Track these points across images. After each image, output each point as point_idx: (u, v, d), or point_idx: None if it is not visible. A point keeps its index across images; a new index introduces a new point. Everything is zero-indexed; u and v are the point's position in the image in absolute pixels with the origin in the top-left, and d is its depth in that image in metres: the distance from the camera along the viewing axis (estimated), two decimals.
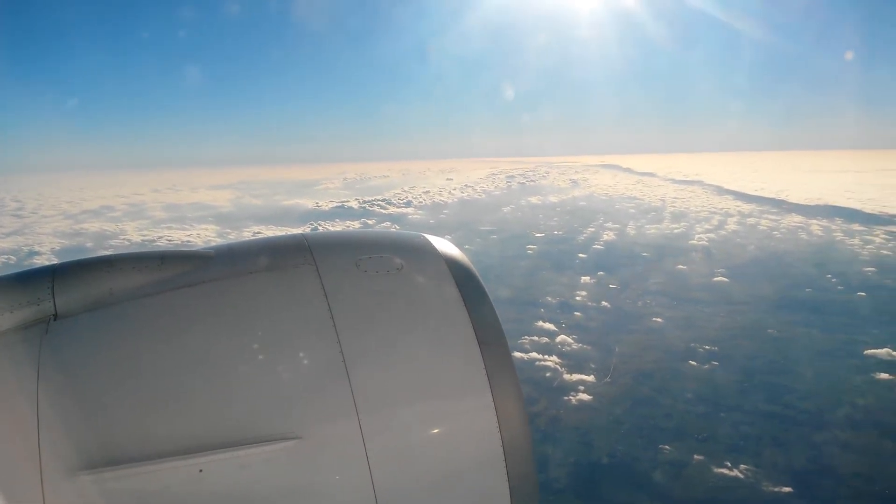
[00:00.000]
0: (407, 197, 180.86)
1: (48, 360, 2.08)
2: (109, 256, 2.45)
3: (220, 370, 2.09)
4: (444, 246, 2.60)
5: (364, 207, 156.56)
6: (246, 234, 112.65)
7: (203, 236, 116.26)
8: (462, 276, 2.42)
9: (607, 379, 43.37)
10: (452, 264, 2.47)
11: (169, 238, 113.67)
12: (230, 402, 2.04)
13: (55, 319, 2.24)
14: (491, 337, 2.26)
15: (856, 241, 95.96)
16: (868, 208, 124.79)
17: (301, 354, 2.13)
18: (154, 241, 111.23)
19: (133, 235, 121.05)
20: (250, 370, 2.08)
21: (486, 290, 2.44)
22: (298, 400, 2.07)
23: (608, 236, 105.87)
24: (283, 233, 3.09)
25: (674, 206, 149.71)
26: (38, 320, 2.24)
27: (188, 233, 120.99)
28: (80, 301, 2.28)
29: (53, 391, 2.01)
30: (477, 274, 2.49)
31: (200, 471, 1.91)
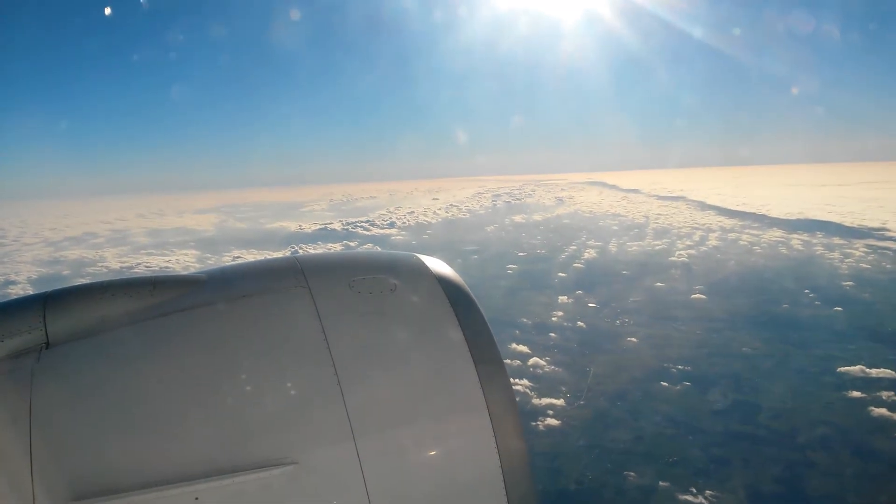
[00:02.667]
0: (390, 218, 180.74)
1: (40, 390, 2.05)
2: (101, 283, 2.42)
3: (215, 396, 2.05)
4: (437, 265, 2.60)
5: (347, 229, 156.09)
6: (226, 259, 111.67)
7: (182, 262, 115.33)
8: (455, 296, 2.41)
9: (581, 402, 42.84)
10: (445, 283, 2.46)
11: (147, 265, 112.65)
12: (225, 428, 2.00)
13: (47, 348, 2.20)
14: (486, 355, 2.25)
15: (835, 254, 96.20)
16: (848, 221, 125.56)
17: (296, 378, 2.10)
18: (132, 267, 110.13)
19: (112, 262, 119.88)
20: (245, 395, 2.05)
21: (480, 308, 2.43)
22: (294, 424, 2.04)
23: (589, 254, 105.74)
24: (263, 257, 2.91)
25: (657, 223, 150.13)
26: (29, 349, 2.20)
27: (167, 259, 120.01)
28: (72, 329, 2.24)
29: (45, 421, 1.98)
30: (470, 293, 2.49)
31: (196, 499, 1.87)
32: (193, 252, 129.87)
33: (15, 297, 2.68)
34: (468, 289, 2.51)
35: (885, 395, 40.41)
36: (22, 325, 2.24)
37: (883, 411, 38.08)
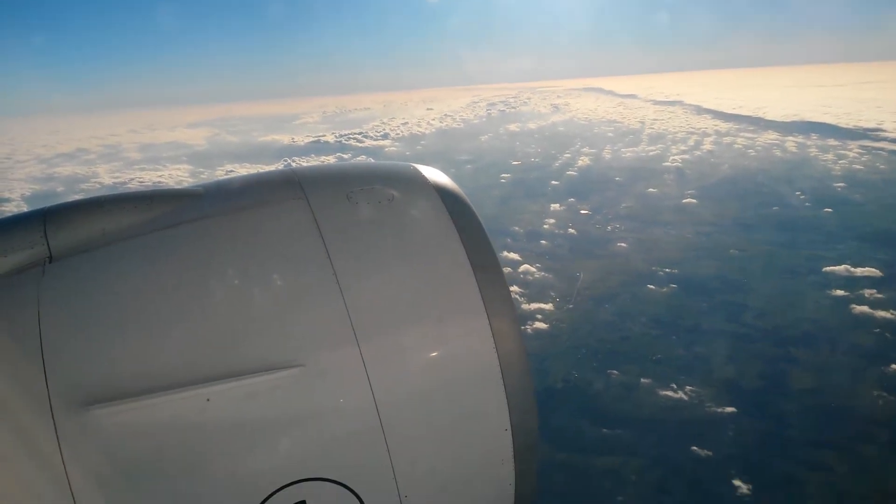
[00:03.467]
0: (384, 129, 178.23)
1: (48, 302, 2.09)
2: (99, 198, 2.44)
3: (219, 304, 2.11)
4: (434, 175, 2.61)
5: (340, 141, 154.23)
6: (220, 173, 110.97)
7: (175, 177, 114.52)
8: (453, 204, 2.43)
9: (570, 305, 43.67)
10: (443, 192, 2.48)
11: (140, 180, 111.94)
12: (232, 334, 2.07)
13: (50, 262, 2.23)
14: (484, 261, 2.29)
15: (829, 156, 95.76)
16: (844, 122, 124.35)
17: (298, 286, 2.16)
18: (125, 183, 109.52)
19: (105, 178, 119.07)
20: (249, 303, 2.11)
21: (478, 216, 2.45)
22: (298, 329, 2.10)
23: (583, 162, 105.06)
24: (257, 171, 3.06)
25: (652, 128, 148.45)
26: (32, 264, 2.24)
27: (160, 174, 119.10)
28: (74, 243, 2.28)
29: (56, 332, 2.02)
30: (468, 201, 2.51)
31: (208, 400, 1.95)
32: (186, 167, 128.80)
33: (11, 213, 2.72)
34: (466, 197, 2.53)
35: (867, 293, 41.18)
36: (24, 240, 2.28)
37: (864, 308, 38.91)
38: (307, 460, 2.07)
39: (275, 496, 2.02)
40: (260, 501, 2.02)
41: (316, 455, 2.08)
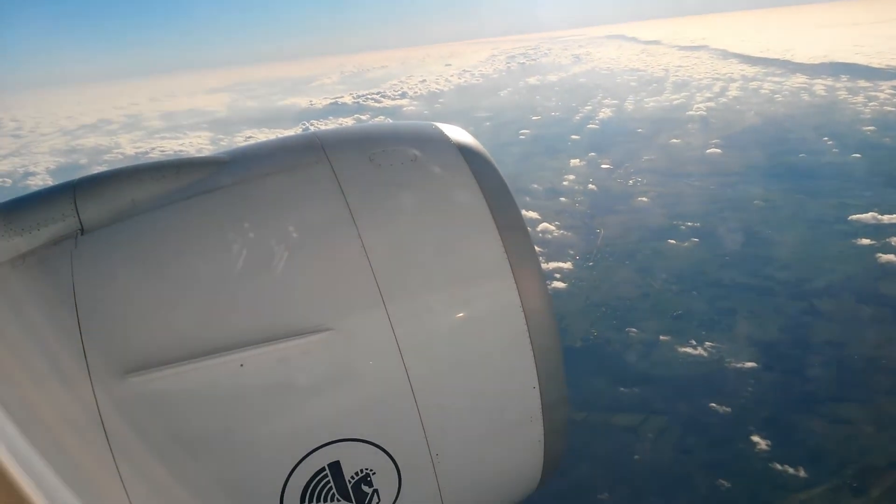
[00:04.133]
0: (402, 88, 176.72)
1: (82, 273, 2.13)
2: (127, 168, 2.46)
3: (249, 270, 2.13)
4: (456, 133, 2.59)
5: (358, 102, 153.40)
6: (238, 139, 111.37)
7: (196, 144, 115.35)
8: (476, 163, 2.42)
9: (590, 263, 43.48)
10: (466, 151, 2.46)
11: (162, 149, 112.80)
12: (262, 299, 2.10)
13: (82, 233, 2.27)
14: (509, 220, 2.28)
15: (859, 98, 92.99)
16: (876, 63, 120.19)
17: (324, 250, 2.18)
18: (147, 153, 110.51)
19: (127, 149, 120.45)
20: (277, 268, 2.13)
21: (502, 174, 2.44)
22: (326, 293, 2.13)
23: (605, 114, 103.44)
24: (275, 136, 3.17)
25: (676, 76, 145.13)
26: (65, 236, 2.27)
27: (181, 142, 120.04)
28: (104, 214, 2.31)
29: (91, 302, 2.06)
30: (491, 159, 2.49)
31: (241, 365, 1.99)
32: (206, 134, 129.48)
33: (37, 188, 2.80)
34: (489, 155, 2.51)
35: (894, 241, 40.31)
36: (55, 213, 2.31)
37: (891, 257, 38.18)
38: (339, 422, 2.11)
39: (309, 457, 2.07)
40: (295, 463, 2.07)
41: (347, 416, 2.12)
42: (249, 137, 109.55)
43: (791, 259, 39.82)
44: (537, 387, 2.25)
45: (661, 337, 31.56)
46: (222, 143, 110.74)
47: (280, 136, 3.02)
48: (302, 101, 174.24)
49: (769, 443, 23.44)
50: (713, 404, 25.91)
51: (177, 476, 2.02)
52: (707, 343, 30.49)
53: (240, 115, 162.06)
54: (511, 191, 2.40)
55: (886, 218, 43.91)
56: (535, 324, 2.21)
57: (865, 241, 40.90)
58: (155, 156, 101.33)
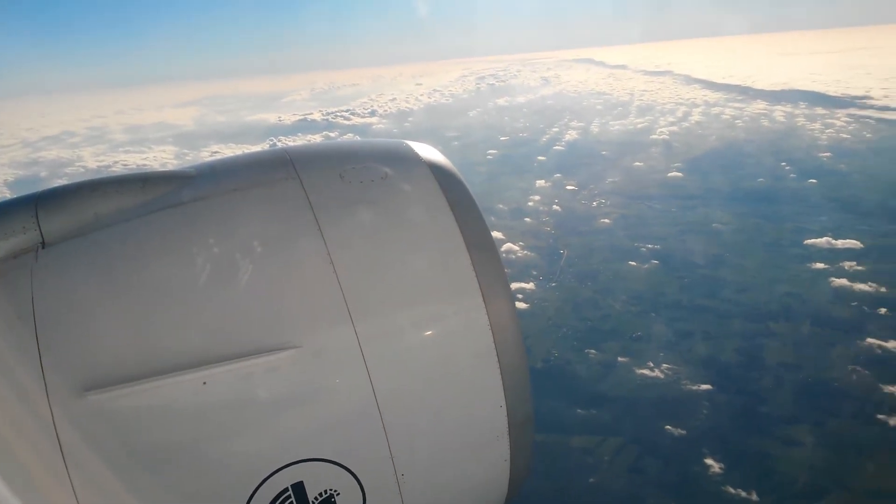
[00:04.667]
0: (372, 106, 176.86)
1: (42, 287, 2.07)
2: (91, 181, 2.40)
3: (214, 286, 2.09)
4: (427, 152, 2.57)
5: (327, 119, 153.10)
6: (204, 154, 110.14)
7: (160, 159, 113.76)
8: (447, 181, 2.40)
9: (552, 283, 43.74)
10: (436, 170, 2.45)
11: (125, 163, 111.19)
12: (227, 316, 2.06)
13: (43, 247, 2.21)
14: (478, 239, 2.27)
15: (817, 125, 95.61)
16: (832, 91, 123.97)
17: (292, 267, 2.15)
18: (109, 166, 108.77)
19: (89, 162, 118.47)
20: (244, 285, 2.09)
21: (472, 193, 2.43)
22: (293, 311, 2.09)
23: (571, 136, 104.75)
24: (242, 151, 3.01)
25: (641, 100, 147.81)
26: (25, 249, 2.21)
27: (144, 156, 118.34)
28: (66, 227, 2.25)
29: (51, 317, 2.00)
30: (461, 178, 2.48)
31: (204, 383, 1.95)
32: (171, 148, 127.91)
33: None
34: (459, 174, 2.50)
35: (847, 265, 41.33)
36: (16, 225, 2.24)
37: (843, 281, 39.08)
38: (304, 441, 2.08)
39: (272, 478, 2.04)
40: (258, 483, 2.03)
41: (313, 436, 2.09)
42: (215, 153, 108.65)
43: (748, 282, 40.59)
44: (504, 405, 2.24)
45: (620, 358, 31.82)
46: (187, 157, 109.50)
47: (249, 151, 3.02)
48: (271, 117, 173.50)
49: (722, 465, 23.67)
50: (668, 426, 26.11)
51: (135, 497, 1.98)
52: (664, 365, 30.79)
53: (207, 129, 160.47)
54: (480, 209, 2.39)
55: (840, 243, 45.04)
56: (503, 342, 2.20)
57: (819, 265, 41.88)
58: (117, 170, 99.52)
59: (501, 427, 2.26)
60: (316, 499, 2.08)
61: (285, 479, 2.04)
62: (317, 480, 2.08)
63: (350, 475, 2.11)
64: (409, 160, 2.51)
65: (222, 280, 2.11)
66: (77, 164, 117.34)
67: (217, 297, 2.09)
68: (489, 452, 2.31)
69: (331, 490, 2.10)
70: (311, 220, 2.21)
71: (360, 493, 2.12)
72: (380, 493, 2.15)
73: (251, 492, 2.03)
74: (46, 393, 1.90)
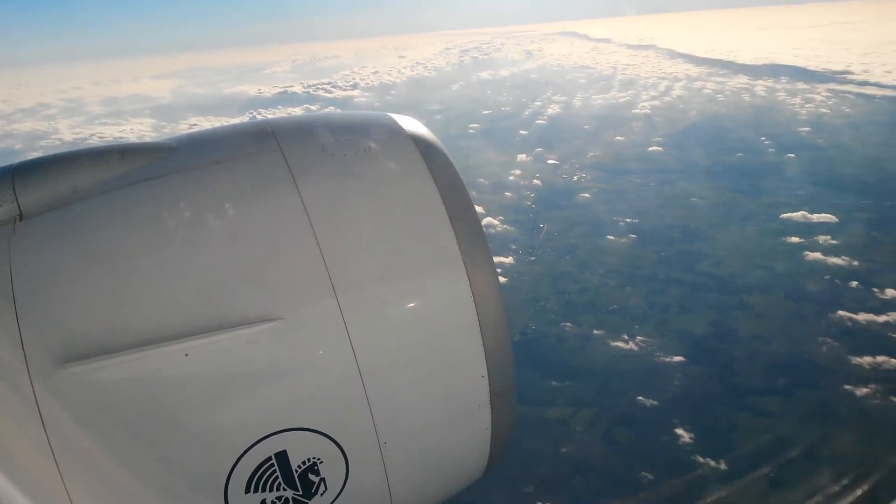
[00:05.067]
0: (354, 79, 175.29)
1: (20, 260, 2.05)
2: (69, 153, 2.36)
3: (196, 258, 2.09)
4: (411, 125, 2.57)
5: (308, 92, 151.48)
6: (182, 126, 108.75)
7: (137, 131, 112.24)
8: (430, 154, 2.41)
9: (531, 258, 43.89)
10: (420, 142, 2.45)
11: (101, 135, 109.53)
12: (209, 288, 2.06)
13: (21, 219, 2.18)
14: (462, 212, 2.28)
15: (797, 100, 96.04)
16: (813, 65, 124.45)
17: (274, 239, 2.14)
18: (86, 139, 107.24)
19: (65, 134, 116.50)
20: (226, 257, 2.10)
21: (455, 166, 2.43)
22: (276, 282, 2.09)
23: (553, 110, 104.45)
24: (223, 124, 2.99)
25: (624, 74, 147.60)
26: (2, 222, 2.17)
27: (121, 129, 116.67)
28: (44, 199, 2.21)
29: (30, 290, 1.99)
30: (445, 151, 2.48)
31: (186, 355, 1.95)
32: (149, 120, 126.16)
33: None
34: (443, 147, 2.50)
35: (821, 239, 41.79)
36: None
37: (817, 255, 39.54)
38: (287, 411, 2.09)
39: (255, 447, 2.05)
40: (241, 452, 2.04)
41: (296, 406, 2.10)
42: (193, 125, 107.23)
43: (724, 255, 40.92)
44: (486, 375, 2.26)
45: (595, 331, 32.08)
46: (165, 130, 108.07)
47: (230, 123, 2.99)
48: (251, 90, 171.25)
49: (692, 435, 24.06)
50: (641, 397, 26.47)
51: (118, 468, 1.98)
52: (638, 337, 31.10)
53: (185, 101, 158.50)
54: (464, 183, 2.40)
55: (815, 217, 45.46)
56: (486, 314, 2.23)
57: (795, 240, 42.29)
58: (94, 142, 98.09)
59: (483, 396, 2.29)
60: (299, 467, 2.11)
61: (268, 449, 2.06)
62: (300, 449, 2.10)
63: (333, 444, 2.13)
64: (392, 133, 2.51)
65: (204, 252, 2.11)
66: (53, 136, 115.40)
67: (199, 269, 2.09)
68: (471, 421, 2.34)
69: (314, 458, 2.12)
70: (293, 193, 2.20)
71: (344, 462, 2.15)
72: (363, 461, 2.18)
73: (234, 461, 2.04)
74: (27, 365, 1.89)
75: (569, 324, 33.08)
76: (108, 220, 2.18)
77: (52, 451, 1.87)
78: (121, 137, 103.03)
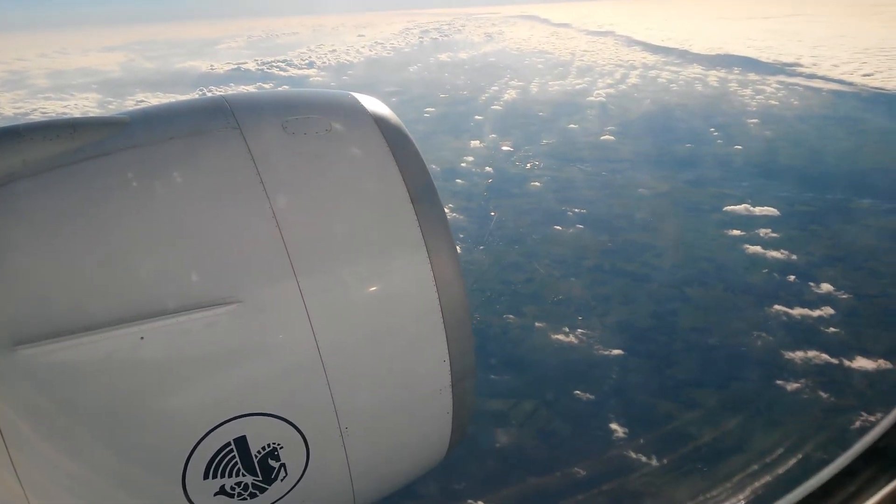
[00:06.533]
0: (310, 57, 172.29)
1: None
2: (17, 126, 2.26)
3: (152, 238, 2.03)
4: (373, 105, 2.53)
5: (262, 70, 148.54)
6: (130, 102, 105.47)
7: (82, 107, 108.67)
8: (392, 135, 2.38)
9: (480, 247, 43.77)
10: (382, 123, 2.41)
11: (43, 110, 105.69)
12: (166, 269, 2.01)
13: None
14: (423, 194, 2.27)
15: (748, 91, 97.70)
16: (765, 57, 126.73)
17: (232, 219, 2.09)
18: (27, 114, 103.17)
19: (5, 109, 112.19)
20: (182, 237, 2.05)
21: (417, 147, 2.43)
22: (234, 264, 2.06)
23: (510, 95, 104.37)
24: (173, 100, 2.88)
25: (582, 61, 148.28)
26: None
27: (65, 104, 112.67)
28: None
29: None
30: (407, 132, 2.45)
31: (142, 338, 1.92)
32: (95, 96, 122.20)
33: None
34: (405, 128, 2.47)
35: (762, 232, 42.53)
36: None
37: (757, 248, 40.27)
38: (247, 396, 2.05)
39: (214, 432, 2.01)
40: (199, 438, 2.00)
41: (255, 390, 2.07)
42: (141, 101, 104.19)
43: (667, 247, 41.37)
44: (447, 360, 2.27)
45: (537, 323, 32.13)
46: (111, 106, 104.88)
47: (185, 99, 2.86)
48: (202, 65, 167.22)
49: (626, 430, 24.31)
50: (578, 391, 26.63)
51: (71, 453, 1.94)
52: (579, 330, 31.26)
53: (134, 76, 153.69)
54: (426, 164, 2.38)
55: (757, 209, 46.28)
56: (447, 297, 2.23)
57: (736, 232, 42.99)
58: (35, 117, 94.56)
59: (444, 381, 2.29)
60: (259, 452, 2.08)
61: (227, 434, 2.02)
62: (260, 435, 2.07)
63: (293, 429, 2.10)
64: (354, 112, 2.47)
65: (160, 232, 2.03)
66: None
67: (155, 249, 2.02)
68: (432, 406, 2.34)
69: (274, 444, 2.09)
70: (252, 171, 2.13)
71: (304, 447, 2.13)
72: (323, 445, 2.16)
73: (192, 447, 1.99)
74: None
75: (511, 316, 33.07)
76: (60, 197, 2.07)
77: (2, 436, 1.82)
78: (64, 113, 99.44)
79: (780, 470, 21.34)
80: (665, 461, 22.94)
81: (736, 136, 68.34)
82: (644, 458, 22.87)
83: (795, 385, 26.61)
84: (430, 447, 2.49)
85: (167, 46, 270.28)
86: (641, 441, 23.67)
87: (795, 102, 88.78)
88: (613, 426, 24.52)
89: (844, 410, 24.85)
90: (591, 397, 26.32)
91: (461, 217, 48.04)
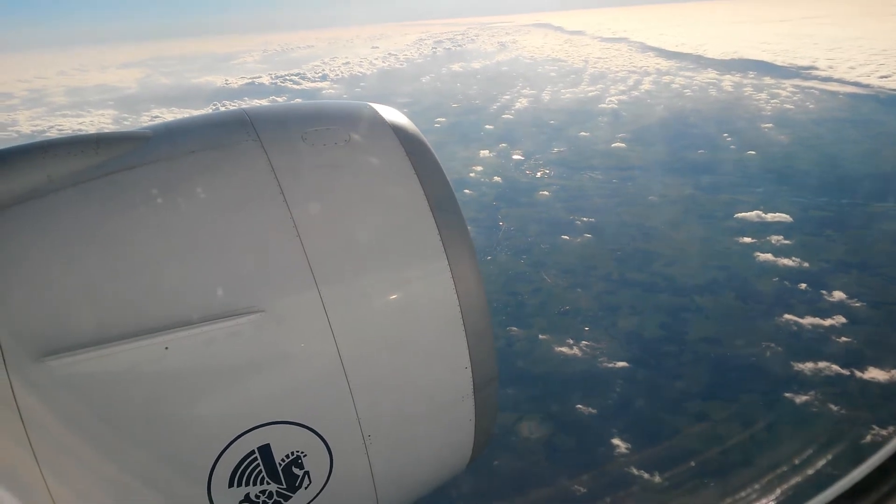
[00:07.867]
0: (324, 70, 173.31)
1: None
2: (42, 142, 2.30)
3: (176, 250, 2.06)
4: (391, 114, 2.54)
5: (276, 83, 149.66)
6: (145, 118, 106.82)
7: (98, 123, 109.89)
8: (411, 144, 2.39)
9: (488, 257, 43.43)
10: (400, 132, 2.43)
11: (60, 127, 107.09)
12: (190, 280, 2.04)
13: None
14: (443, 202, 2.28)
15: (763, 95, 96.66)
16: (780, 60, 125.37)
17: (254, 230, 2.12)
18: (45, 131, 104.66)
19: (24, 126, 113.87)
20: (205, 249, 2.07)
21: (436, 156, 2.43)
22: (257, 274, 2.08)
23: (521, 104, 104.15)
24: (187, 115, 2.88)
25: (595, 68, 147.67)
26: None
27: (81, 120, 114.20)
28: (19, 190, 2.14)
29: (6, 283, 1.97)
30: (426, 141, 2.47)
31: (166, 348, 1.94)
32: (111, 112, 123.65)
33: None
34: (424, 137, 2.48)
35: (774, 239, 41.75)
36: None
37: (768, 256, 39.51)
38: (270, 404, 2.06)
39: (239, 440, 2.02)
40: (224, 446, 2.01)
41: (279, 399, 2.08)
42: (156, 117, 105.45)
43: (677, 255, 40.74)
44: (469, 367, 2.26)
45: (541, 336, 31.65)
46: (126, 122, 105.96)
47: (204, 113, 2.89)
48: (218, 80, 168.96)
49: (629, 446, 23.74)
50: (580, 406, 26.09)
51: (98, 462, 1.95)
52: (583, 343, 30.73)
53: (150, 92, 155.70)
54: (445, 173, 2.38)
55: (769, 216, 45.50)
56: (468, 305, 2.22)
57: (747, 240, 42.24)
58: (52, 135, 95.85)
59: (466, 388, 2.29)
60: (283, 460, 2.08)
61: (252, 442, 2.03)
62: (284, 443, 2.07)
63: (317, 437, 2.10)
64: (372, 122, 2.47)
65: (183, 244, 2.05)
66: (10, 128, 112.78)
67: (178, 261, 2.04)
68: (454, 413, 2.34)
69: (298, 452, 2.10)
70: (272, 183, 2.14)
71: (328, 455, 2.13)
72: (347, 454, 2.15)
73: (216, 455, 2.01)
74: (3, 359, 1.85)
75: (515, 328, 32.61)
76: (85, 211, 2.09)
77: (31, 446, 1.83)
78: (80, 130, 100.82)
79: (787, 487, 20.69)
80: (670, 477, 22.38)
81: (750, 142, 67.43)
82: (647, 476, 22.31)
83: (804, 397, 25.89)
84: (453, 455, 2.49)
85: (184, 62, 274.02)
86: (642, 456, 23.11)
87: (811, 106, 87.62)
88: (616, 441, 23.98)
89: (856, 423, 24.11)
90: (594, 411, 25.78)
91: (469, 228, 47.35)
